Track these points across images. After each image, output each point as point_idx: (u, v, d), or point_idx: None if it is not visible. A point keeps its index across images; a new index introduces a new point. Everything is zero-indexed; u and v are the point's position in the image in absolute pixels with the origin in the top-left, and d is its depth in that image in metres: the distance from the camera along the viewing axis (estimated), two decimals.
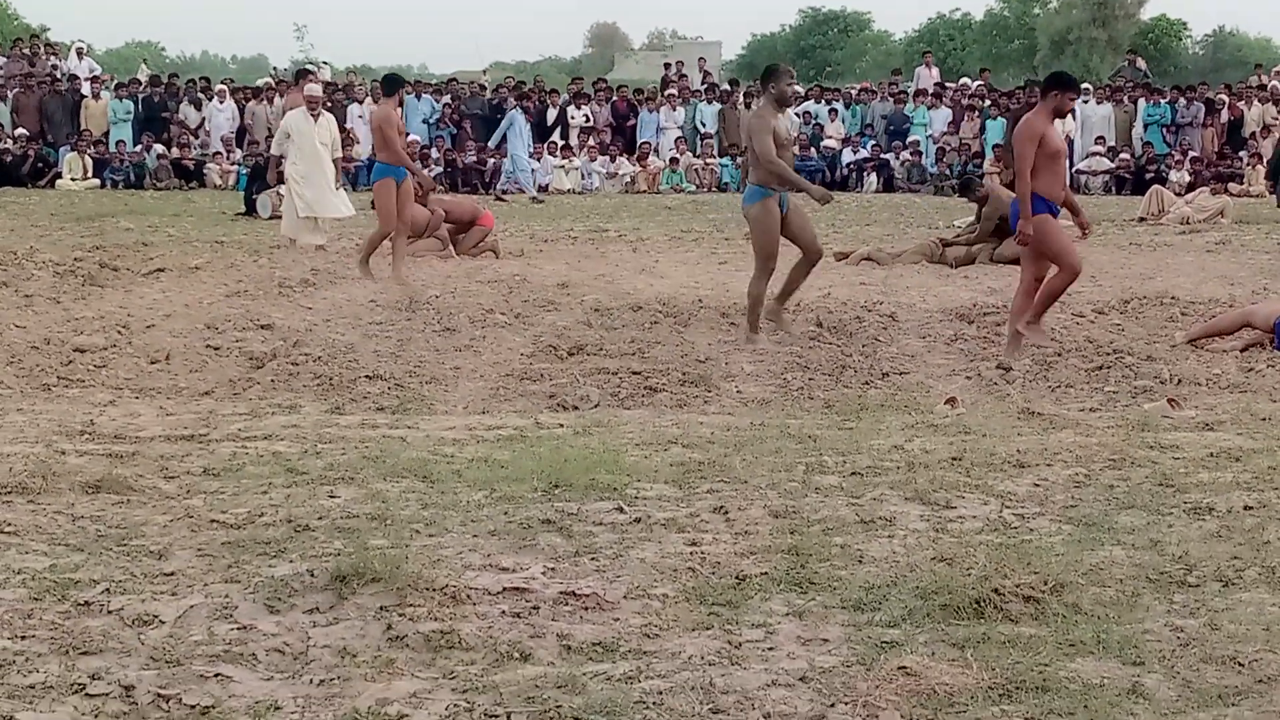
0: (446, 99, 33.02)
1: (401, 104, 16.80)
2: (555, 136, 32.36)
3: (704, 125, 32.99)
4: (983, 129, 32.04)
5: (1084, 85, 32.22)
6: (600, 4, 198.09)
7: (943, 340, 11.31)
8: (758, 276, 11.22)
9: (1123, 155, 31.08)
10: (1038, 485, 6.83)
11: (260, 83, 35.19)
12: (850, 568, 5.56)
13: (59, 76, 33.39)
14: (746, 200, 11.23)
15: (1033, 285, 10.54)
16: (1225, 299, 13.29)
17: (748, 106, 33.40)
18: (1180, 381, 9.45)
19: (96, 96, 32.41)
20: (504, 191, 29.01)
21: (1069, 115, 29.62)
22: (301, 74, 22.94)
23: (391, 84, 15.59)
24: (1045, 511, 6.39)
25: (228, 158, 30.96)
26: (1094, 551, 5.72)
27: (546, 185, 29.97)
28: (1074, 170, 28.22)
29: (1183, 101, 32.10)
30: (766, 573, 5.47)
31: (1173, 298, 13.33)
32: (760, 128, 10.96)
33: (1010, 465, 7.17)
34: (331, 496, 6.62)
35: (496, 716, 4.24)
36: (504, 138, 29.45)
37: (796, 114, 33.02)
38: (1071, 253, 10.50)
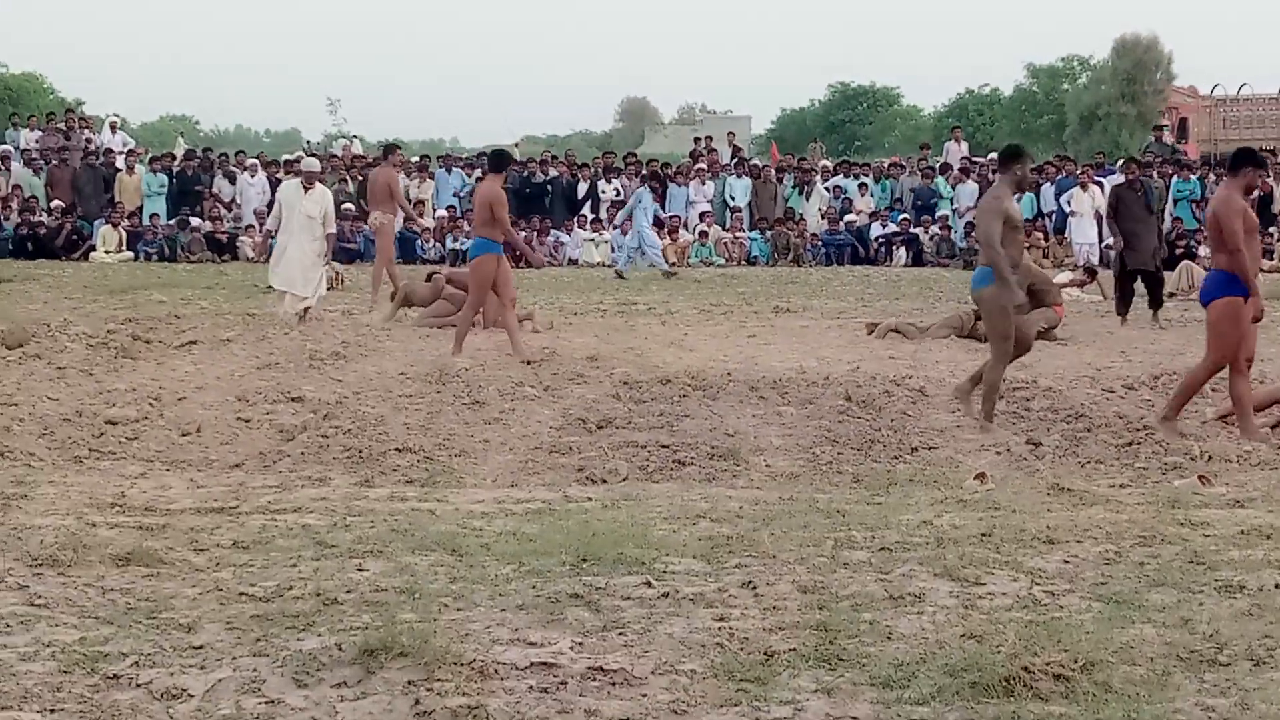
0: (478, 173, 33.25)
1: (506, 181, 16.39)
2: (585, 210, 32.52)
3: (733, 199, 33.09)
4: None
5: (1120, 160, 32.37)
6: (631, 78, 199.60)
7: (972, 415, 11.27)
8: (995, 363, 10.79)
9: None
10: (1068, 562, 6.80)
11: (292, 157, 35.38)
12: (879, 644, 5.54)
13: (93, 150, 33.68)
14: (977, 283, 10.81)
15: (1239, 364, 10.44)
16: (1256, 376, 13.22)
17: (779, 181, 33.58)
18: (1211, 458, 9.42)
19: (131, 170, 32.64)
20: (620, 272, 27.94)
21: (1099, 190, 29.71)
22: (390, 149, 22.88)
23: (499, 161, 15.50)
24: (1075, 589, 6.37)
25: (260, 231, 31.13)
26: (1124, 629, 5.69)
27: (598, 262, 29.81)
28: (1104, 245, 28.14)
29: (1212, 177, 32.06)
30: (795, 649, 5.45)
31: None
32: (990, 209, 10.66)
33: (1040, 542, 7.14)
34: (360, 570, 6.62)
35: None
36: (629, 215, 29.28)
37: (826, 189, 33.16)
38: (1234, 347, 10.34)
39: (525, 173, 33.63)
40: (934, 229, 31.73)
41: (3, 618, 5.85)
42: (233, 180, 32.97)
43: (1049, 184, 31.86)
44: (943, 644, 5.50)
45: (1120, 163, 25.35)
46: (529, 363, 13.66)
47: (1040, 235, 30.54)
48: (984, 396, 10.87)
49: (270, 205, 31.55)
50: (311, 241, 17.68)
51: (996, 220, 10.53)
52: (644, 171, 32.70)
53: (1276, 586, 6.30)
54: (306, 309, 17.52)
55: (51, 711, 4.80)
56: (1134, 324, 18.21)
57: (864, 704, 4.93)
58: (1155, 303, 19.21)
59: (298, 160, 22.75)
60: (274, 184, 32.33)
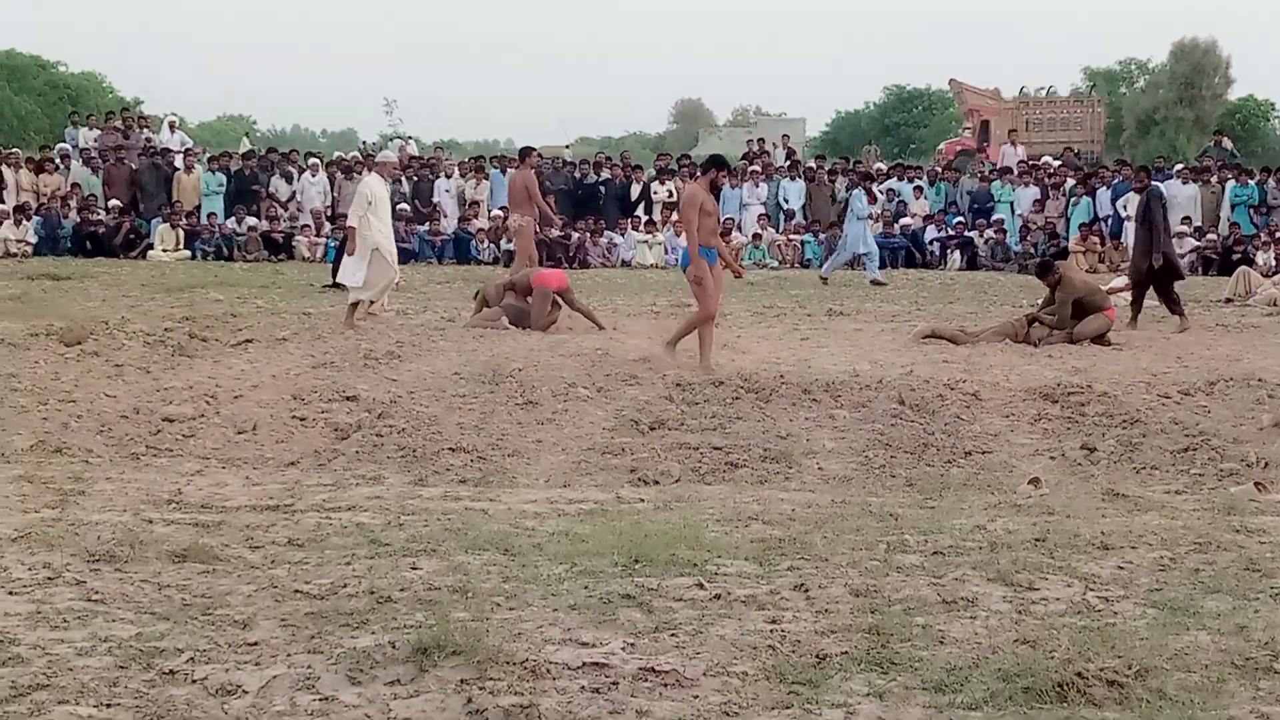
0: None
1: (713, 185, 14.87)
2: (639, 211, 32.57)
3: (787, 202, 33.07)
4: (1067, 207, 31.93)
5: (1179, 165, 32.17)
6: (685, 80, 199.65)
7: (1026, 419, 11.23)
8: None
9: (1209, 235, 30.84)
10: (1122, 568, 6.76)
11: (349, 157, 35.60)
12: (932, 648, 5.52)
13: (152, 149, 33.94)
14: None
15: None
16: None
17: (831, 183, 33.52)
18: (1267, 465, 9.34)
19: (189, 169, 32.89)
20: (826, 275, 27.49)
21: None
22: (526, 151, 22.21)
23: (708, 164, 14.81)
24: (1129, 595, 6.33)
25: (316, 231, 31.33)
26: (1179, 636, 5.66)
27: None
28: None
29: (1271, 182, 31.83)
30: (847, 652, 5.45)
31: (1260, 380, 13.16)
32: None
33: (1094, 547, 7.11)
34: (414, 568, 6.65)
35: None
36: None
37: (880, 191, 33.08)
38: None
39: (578, 174, 33.73)
40: (989, 233, 31.58)
41: (60, 613, 5.91)
42: (290, 180, 33.15)
43: (1105, 188, 31.67)
44: (995, 649, 5.48)
45: (1179, 168, 25.26)
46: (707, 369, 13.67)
47: (1096, 240, 30.40)
48: None
49: (333, 204, 31.90)
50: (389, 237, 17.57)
51: None
52: (855, 173, 32.08)
53: None
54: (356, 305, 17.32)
55: (107, 706, 4.84)
56: (1191, 330, 18.07)
57: (916, 708, 4.92)
58: (1133, 310, 19.02)
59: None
60: (332, 183, 32.59)
